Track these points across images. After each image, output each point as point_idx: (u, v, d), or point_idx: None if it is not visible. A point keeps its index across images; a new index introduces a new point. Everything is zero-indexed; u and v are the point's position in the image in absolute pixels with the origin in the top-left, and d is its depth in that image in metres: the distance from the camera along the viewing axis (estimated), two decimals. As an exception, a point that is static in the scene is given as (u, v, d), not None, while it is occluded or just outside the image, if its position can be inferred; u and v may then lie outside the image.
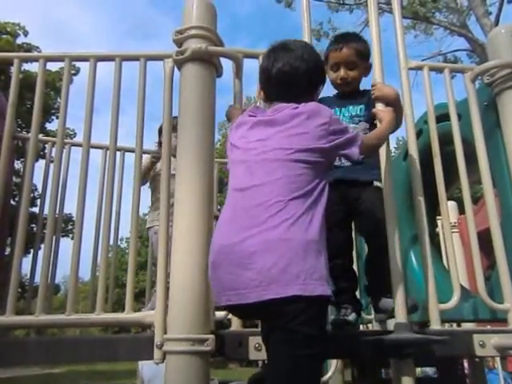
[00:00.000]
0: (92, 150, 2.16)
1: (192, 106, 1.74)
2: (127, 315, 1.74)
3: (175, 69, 1.87)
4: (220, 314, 1.79)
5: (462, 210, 2.92)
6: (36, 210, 3.24)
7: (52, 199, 1.97)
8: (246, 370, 10.88)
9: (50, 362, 2.15)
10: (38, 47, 14.95)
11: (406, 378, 1.62)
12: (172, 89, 1.90)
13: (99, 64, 2.00)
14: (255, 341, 1.62)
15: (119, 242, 9.52)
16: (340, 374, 3.26)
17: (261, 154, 1.45)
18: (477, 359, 2.87)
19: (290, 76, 1.56)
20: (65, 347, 1.75)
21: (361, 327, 2.90)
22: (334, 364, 2.99)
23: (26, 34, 15.00)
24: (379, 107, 1.85)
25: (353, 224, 2.07)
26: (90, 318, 1.77)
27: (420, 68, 2.15)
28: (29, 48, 14.65)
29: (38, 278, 2.01)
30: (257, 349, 1.61)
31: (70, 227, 11.75)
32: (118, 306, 2.79)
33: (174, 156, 1.76)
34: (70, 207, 2.20)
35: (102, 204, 2.42)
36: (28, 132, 2.19)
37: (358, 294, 2.07)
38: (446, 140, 2.07)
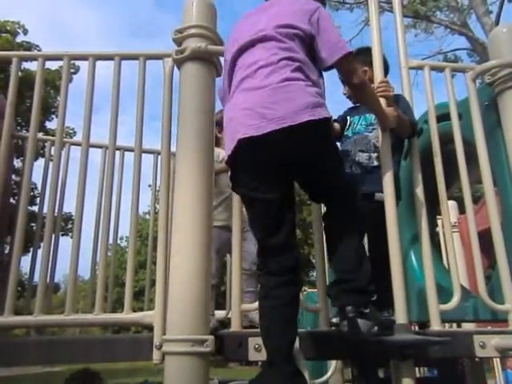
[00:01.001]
0: (91, 149, 2.15)
1: (192, 105, 1.73)
2: (126, 315, 1.73)
3: (175, 68, 1.86)
4: (220, 313, 1.78)
5: (462, 209, 2.91)
6: (35, 208, 3.23)
7: (51, 198, 1.96)
8: (245, 369, 10.88)
9: (48, 363, 2.14)
10: (37, 46, 14.90)
11: (406, 380, 1.62)
12: (172, 88, 1.89)
13: (100, 63, 2.00)
14: (255, 341, 1.60)
15: (119, 241, 9.51)
16: (340, 373, 3.26)
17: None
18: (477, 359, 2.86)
19: None
20: (63, 347, 1.74)
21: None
22: (333, 364, 3.00)
23: (25, 32, 14.94)
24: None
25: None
26: (89, 318, 1.77)
27: (421, 67, 2.14)
28: (28, 46, 14.57)
29: (37, 277, 2.01)
30: (256, 349, 1.60)
31: (70, 226, 11.72)
32: (118, 305, 2.79)
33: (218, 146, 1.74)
34: (70, 206, 2.19)
35: (102, 203, 2.41)
36: (28, 130, 2.18)
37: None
38: (446, 139, 2.06)
